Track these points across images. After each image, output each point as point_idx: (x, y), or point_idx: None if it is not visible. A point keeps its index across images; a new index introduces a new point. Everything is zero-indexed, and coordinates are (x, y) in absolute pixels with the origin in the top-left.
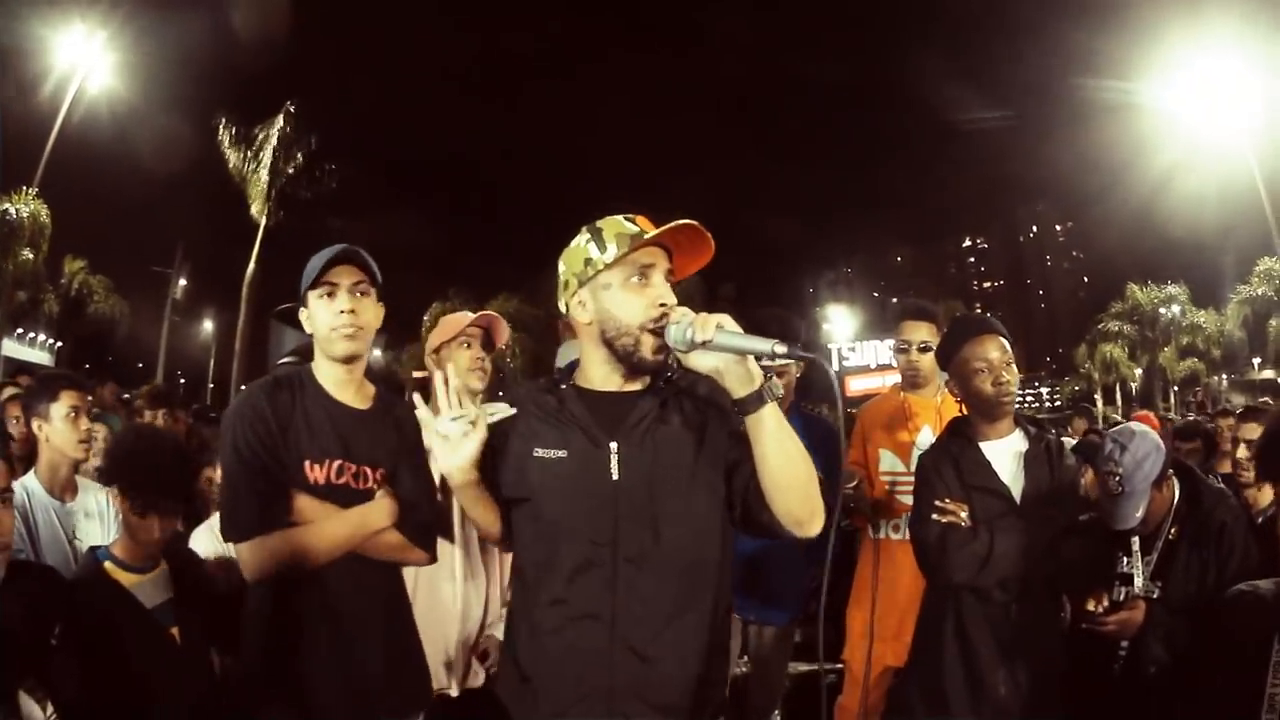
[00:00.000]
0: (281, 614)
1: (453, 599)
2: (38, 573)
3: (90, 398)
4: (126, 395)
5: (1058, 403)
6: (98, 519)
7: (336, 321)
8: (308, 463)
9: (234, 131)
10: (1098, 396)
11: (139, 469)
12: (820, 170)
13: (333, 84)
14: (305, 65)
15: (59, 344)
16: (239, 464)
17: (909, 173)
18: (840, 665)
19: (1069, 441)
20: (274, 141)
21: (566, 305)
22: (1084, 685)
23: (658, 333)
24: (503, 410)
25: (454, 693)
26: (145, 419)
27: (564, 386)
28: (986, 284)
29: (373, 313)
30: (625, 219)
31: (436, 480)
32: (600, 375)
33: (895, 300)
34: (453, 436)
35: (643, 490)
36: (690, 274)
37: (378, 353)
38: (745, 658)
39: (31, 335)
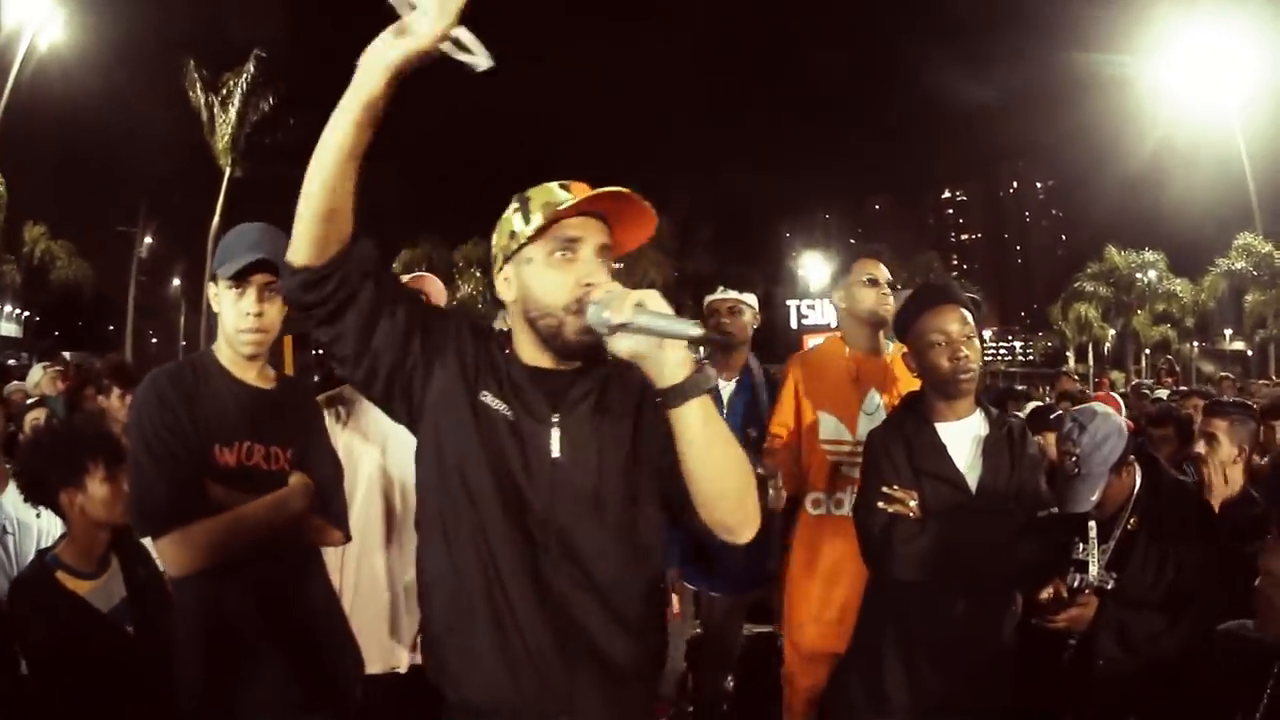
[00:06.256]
0: (207, 607)
1: (384, 570)
2: None
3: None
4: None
5: (1030, 357)
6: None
7: (243, 323)
8: (217, 446)
9: (201, 79)
10: (1070, 354)
11: (61, 451)
12: (800, 119)
13: (302, 32)
14: (274, 13)
15: (26, 314)
16: (147, 453)
17: (890, 126)
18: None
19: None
20: (242, 90)
21: (495, 283)
22: (1032, 675)
23: (583, 313)
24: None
25: (403, 669)
26: (109, 397)
27: (506, 351)
28: (964, 236)
29: (279, 314)
30: (559, 186)
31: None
32: (530, 355)
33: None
34: None
35: (585, 472)
36: (633, 248)
37: None
38: (698, 620)
39: None
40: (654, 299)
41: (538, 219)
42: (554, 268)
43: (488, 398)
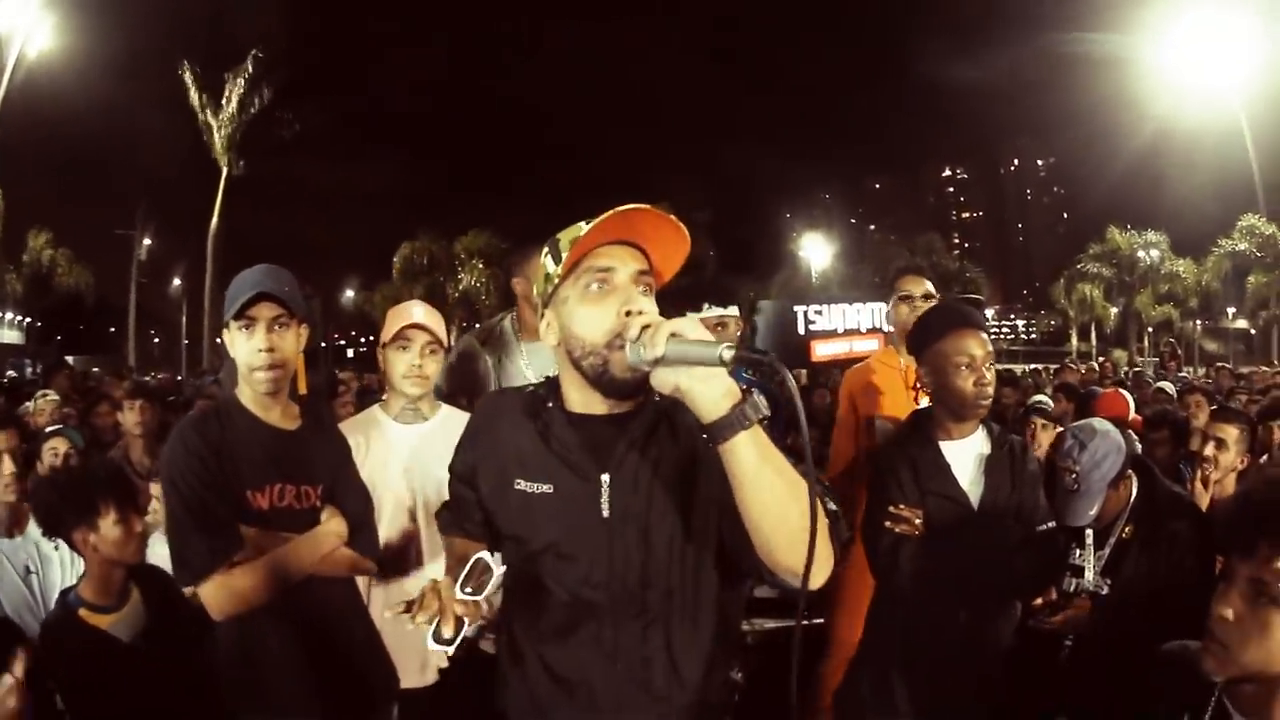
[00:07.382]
0: (250, 643)
1: (411, 590)
2: None
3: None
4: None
5: (1033, 336)
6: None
7: (256, 360)
8: (249, 491)
9: (196, 80)
10: (1073, 333)
11: (74, 493)
12: (798, 99)
13: (298, 26)
14: (268, 9)
15: (28, 320)
16: (182, 505)
17: (888, 104)
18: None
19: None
20: (240, 90)
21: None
22: (1029, 675)
23: (625, 349)
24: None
25: (428, 682)
26: (124, 411)
27: (550, 406)
28: (965, 214)
29: (294, 343)
30: (586, 223)
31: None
32: (581, 399)
33: (890, 267)
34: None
35: (639, 526)
36: (674, 271)
37: (350, 293)
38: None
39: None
40: (690, 327)
41: (566, 256)
42: (590, 302)
43: (521, 484)
